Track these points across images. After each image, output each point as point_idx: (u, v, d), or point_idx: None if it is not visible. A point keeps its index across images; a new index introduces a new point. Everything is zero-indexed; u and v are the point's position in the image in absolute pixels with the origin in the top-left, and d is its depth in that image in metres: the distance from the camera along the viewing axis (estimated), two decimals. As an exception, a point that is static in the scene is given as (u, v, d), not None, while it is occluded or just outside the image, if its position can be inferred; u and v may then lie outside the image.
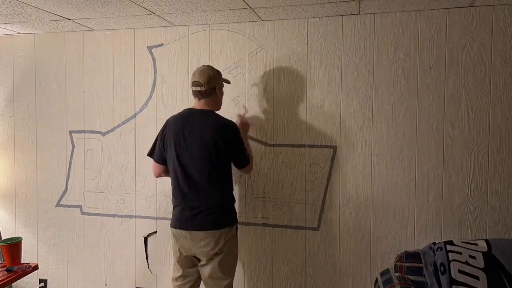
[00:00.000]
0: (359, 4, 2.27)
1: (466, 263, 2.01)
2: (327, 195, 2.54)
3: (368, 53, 2.45)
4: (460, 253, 2.06)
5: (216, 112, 2.28)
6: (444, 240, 2.17)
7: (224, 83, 2.36)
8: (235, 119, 2.54)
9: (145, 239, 2.86)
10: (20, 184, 3.07)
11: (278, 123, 2.60)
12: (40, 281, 3.06)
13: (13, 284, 3.05)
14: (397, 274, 2.13)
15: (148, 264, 2.86)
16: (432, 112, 2.38)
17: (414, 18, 2.39)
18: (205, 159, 2.16)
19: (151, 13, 2.44)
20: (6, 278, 2.47)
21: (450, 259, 2.04)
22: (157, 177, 2.44)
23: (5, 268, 2.55)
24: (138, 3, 2.26)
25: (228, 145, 2.20)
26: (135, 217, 2.87)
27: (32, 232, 3.07)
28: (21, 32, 2.99)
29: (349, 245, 2.52)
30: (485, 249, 2.06)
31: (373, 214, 2.48)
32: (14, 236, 2.95)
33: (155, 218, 2.83)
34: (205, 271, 2.24)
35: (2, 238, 2.96)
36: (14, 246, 2.59)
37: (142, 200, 2.85)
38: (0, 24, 2.73)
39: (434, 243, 2.19)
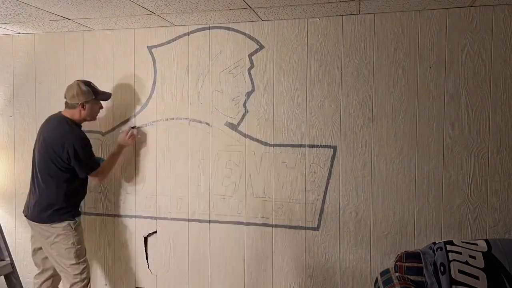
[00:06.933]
0: (359, 4, 2.27)
1: (466, 263, 2.02)
2: (327, 195, 2.54)
3: (368, 53, 2.45)
4: (460, 253, 2.06)
5: (75, 121, 2.50)
6: (444, 240, 2.17)
7: (102, 101, 2.60)
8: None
9: (145, 239, 2.86)
10: (20, 184, 3.07)
11: (278, 123, 2.60)
12: (40, 281, 3.06)
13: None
14: (397, 274, 2.13)
15: (148, 264, 2.86)
16: (432, 112, 2.38)
17: (414, 18, 2.39)
18: (48, 160, 2.43)
19: (151, 13, 2.44)
20: None
21: (450, 259, 2.04)
22: None
23: None
24: (138, 3, 2.26)
25: (67, 153, 2.41)
26: (135, 217, 2.86)
27: (32, 232, 3.07)
28: (21, 32, 2.99)
29: (349, 245, 2.52)
30: (485, 249, 2.06)
31: (373, 214, 2.48)
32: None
33: (155, 218, 2.83)
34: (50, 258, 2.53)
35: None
36: None
37: (142, 200, 2.85)
38: (0, 24, 2.73)
39: (434, 243, 2.19)
